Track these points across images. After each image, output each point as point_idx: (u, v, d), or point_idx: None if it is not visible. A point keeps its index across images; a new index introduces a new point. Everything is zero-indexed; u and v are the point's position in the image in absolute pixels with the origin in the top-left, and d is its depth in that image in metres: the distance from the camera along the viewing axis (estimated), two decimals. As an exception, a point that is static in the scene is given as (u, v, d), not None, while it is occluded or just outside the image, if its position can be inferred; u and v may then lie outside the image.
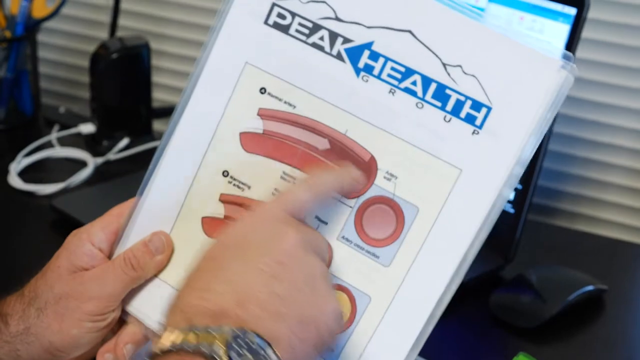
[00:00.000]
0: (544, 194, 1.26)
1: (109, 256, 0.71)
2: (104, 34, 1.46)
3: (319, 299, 0.60)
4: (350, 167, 0.66)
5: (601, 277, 1.02)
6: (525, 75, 0.62)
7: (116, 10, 1.39)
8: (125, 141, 1.30)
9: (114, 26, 1.39)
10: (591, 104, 1.22)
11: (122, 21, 1.44)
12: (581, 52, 1.13)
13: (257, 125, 0.69)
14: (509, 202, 1.03)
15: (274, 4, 0.68)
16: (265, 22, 0.68)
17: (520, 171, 0.63)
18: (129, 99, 1.32)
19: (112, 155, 1.28)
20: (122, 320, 0.72)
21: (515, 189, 1.03)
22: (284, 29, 0.68)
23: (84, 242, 0.70)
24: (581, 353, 0.92)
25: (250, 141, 0.69)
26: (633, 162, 1.22)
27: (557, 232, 1.19)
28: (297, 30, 0.68)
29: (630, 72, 1.19)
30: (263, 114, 0.68)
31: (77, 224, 0.74)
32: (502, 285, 1.00)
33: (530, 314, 0.95)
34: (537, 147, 0.62)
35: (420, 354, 0.65)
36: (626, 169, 1.23)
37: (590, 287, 0.99)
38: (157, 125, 1.38)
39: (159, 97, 1.48)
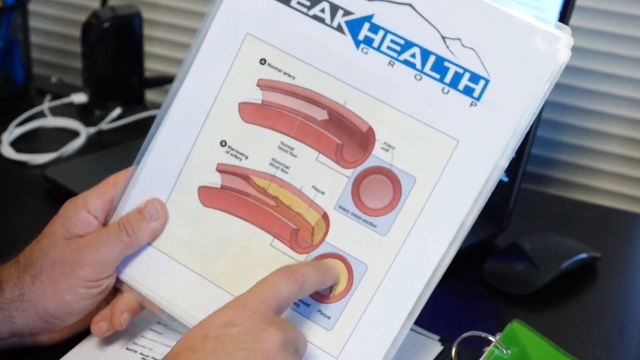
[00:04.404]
0: (538, 162, 1.26)
1: (104, 224, 0.71)
2: (95, 3, 1.45)
3: None
4: (332, 267, 0.66)
5: (594, 245, 1.02)
6: (524, 49, 0.62)
7: (108, -21, 1.37)
8: (117, 111, 1.29)
9: (105, -5, 1.38)
10: (585, 72, 1.22)
11: (114, -10, 1.43)
12: (575, 19, 1.12)
13: (256, 95, 0.69)
14: (502, 170, 1.03)
15: None
16: None
17: (516, 142, 0.63)
18: (121, 69, 1.31)
19: (104, 125, 1.28)
20: (116, 290, 0.72)
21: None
22: (286, 1, 0.68)
23: (80, 210, 0.70)
24: (574, 320, 0.92)
25: (249, 111, 0.69)
26: (627, 130, 1.22)
27: (551, 201, 1.19)
28: (298, 2, 0.68)
29: (625, 40, 1.19)
30: (262, 85, 0.68)
31: (70, 194, 0.74)
32: (496, 254, 1.00)
33: (524, 282, 0.95)
34: (534, 119, 0.63)
35: (414, 321, 0.65)
36: (620, 137, 1.23)
37: (583, 255, 1.00)
38: (149, 95, 1.37)
39: (152, 66, 1.47)
